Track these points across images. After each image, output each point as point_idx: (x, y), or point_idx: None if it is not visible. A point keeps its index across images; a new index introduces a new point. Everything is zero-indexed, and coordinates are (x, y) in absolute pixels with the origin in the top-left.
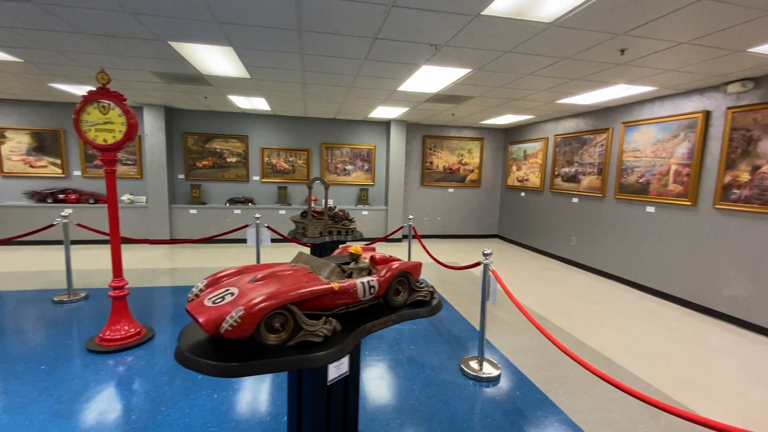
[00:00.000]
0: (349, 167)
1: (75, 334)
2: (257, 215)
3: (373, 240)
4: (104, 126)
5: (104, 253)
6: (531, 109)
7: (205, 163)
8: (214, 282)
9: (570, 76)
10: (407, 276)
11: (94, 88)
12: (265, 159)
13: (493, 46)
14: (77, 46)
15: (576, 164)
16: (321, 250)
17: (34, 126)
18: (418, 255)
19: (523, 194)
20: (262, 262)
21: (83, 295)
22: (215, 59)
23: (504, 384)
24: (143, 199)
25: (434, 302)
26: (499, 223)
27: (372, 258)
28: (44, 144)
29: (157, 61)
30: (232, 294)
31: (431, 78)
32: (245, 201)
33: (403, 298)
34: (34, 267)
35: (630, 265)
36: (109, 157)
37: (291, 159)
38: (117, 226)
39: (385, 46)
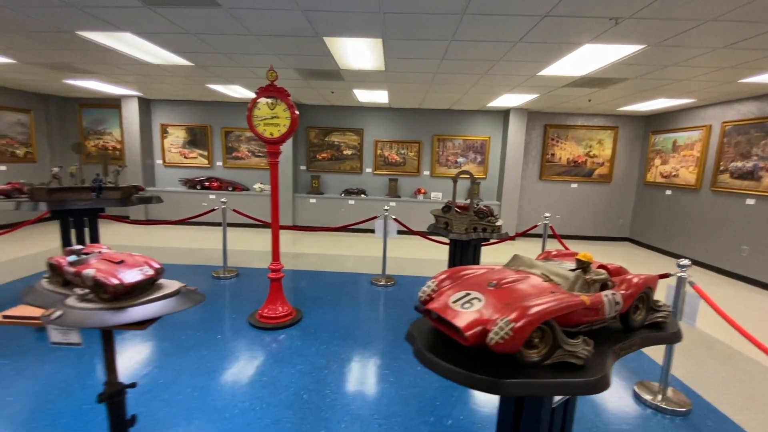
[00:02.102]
0: (460, 159)
1: (235, 307)
2: (386, 207)
3: (507, 237)
4: (271, 120)
5: (244, 235)
6: (695, 92)
7: (324, 155)
8: (445, 281)
9: None
10: (648, 292)
11: (240, 87)
12: (378, 151)
13: (697, 13)
14: (243, 48)
15: (755, 158)
16: (464, 247)
17: (188, 122)
18: None
19: (668, 192)
20: (388, 254)
21: (235, 272)
22: (359, 53)
23: (698, 421)
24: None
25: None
26: (632, 224)
27: (604, 267)
28: (195, 138)
29: (306, 57)
30: (479, 300)
31: (586, 59)
32: (358, 192)
33: (642, 317)
34: (194, 245)
35: None
36: (275, 149)
37: (402, 151)
38: (277, 212)
39: (551, 24)
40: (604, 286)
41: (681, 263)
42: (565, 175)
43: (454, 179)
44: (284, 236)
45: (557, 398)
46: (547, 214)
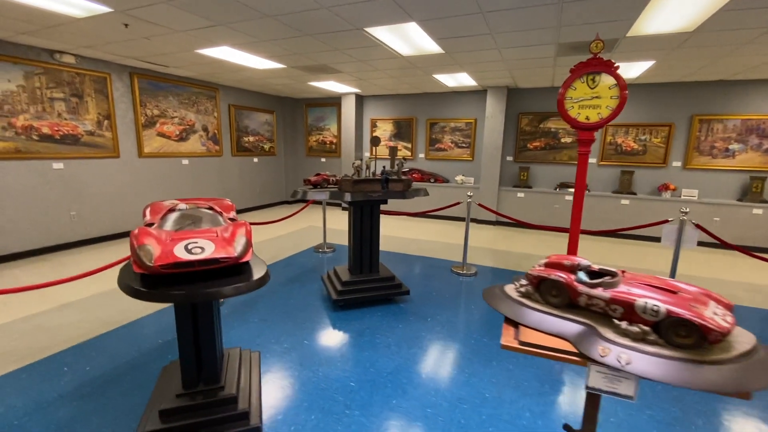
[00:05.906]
0: (734, 146)
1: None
2: (685, 209)
3: None
4: (590, 102)
5: (456, 230)
6: None
7: (537, 144)
8: None
9: None
10: None
11: (466, 74)
12: (609, 138)
13: None
14: (522, 23)
15: None
16: None
17: (394, 116)
18: None
19: None
20: (678, 272)
21: (474, 270)
22: (682, 7)
23: None
24: (471, 180)
25: None
26: None
27: None
28: (401, 131)
29: (592, 26)
30: None
31: None
32: None
33: None
34: (421, 236)
35: None
36: (588, 136)
37: (643, 137)
38: (579, 214)
39: None
40: None
41: None
42: None
43: None
44: (486, 231)
45: None
46: None
